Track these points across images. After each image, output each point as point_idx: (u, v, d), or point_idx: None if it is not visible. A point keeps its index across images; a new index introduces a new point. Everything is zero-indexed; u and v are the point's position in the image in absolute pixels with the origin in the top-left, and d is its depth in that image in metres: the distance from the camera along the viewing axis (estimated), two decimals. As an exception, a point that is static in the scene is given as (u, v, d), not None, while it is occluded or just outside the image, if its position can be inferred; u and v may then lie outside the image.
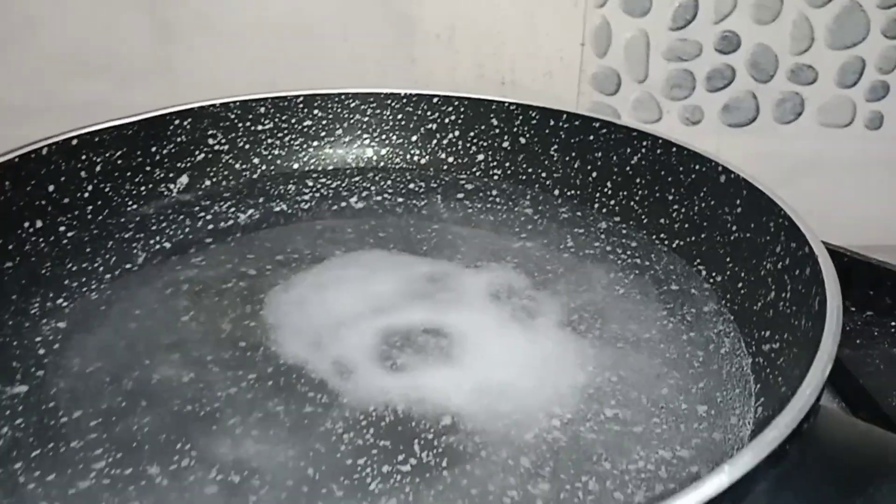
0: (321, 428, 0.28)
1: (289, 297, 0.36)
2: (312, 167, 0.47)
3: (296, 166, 0.47)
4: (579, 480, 0.26)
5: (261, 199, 0.44)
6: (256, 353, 0.32)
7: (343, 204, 0.44)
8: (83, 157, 0.40)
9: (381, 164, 0.48)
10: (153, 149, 0.43)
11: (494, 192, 0.45)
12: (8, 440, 0.28)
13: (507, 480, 0.26)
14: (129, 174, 0.42)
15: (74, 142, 0.40)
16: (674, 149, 0.40)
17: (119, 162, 0.42)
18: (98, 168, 0.41)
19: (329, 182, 0.46)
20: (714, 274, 0.36)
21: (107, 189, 0.41)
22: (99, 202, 0.41)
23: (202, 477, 0.26)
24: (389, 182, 0.46)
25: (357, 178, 0.47)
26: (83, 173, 0.40)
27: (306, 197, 0.45)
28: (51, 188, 0.39)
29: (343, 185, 0.46)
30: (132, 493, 0.25)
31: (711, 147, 0.55)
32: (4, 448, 0.27)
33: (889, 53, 0.52)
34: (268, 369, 0.31)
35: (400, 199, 0.45)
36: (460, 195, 0.45)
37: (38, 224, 0.38)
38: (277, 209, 0.44)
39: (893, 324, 0.42)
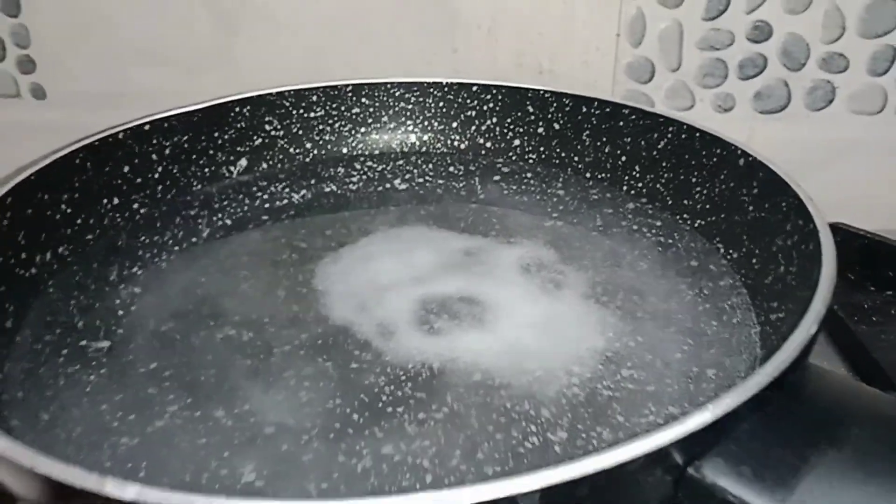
0: (365, 381, 0.32)
1: (337, 268, 0.39)
2: (360, 151, 0.51)
3: (345, 150, 0.51)
4: (594, 430, 0.29)
5: (312, 181, 0.48)
6: (308, 316, 0.36)
7: (388, 186, 0.48)
8: (154, 141, 0.44)
9: (424, 148, 0.51)
10: (216, 134, 0.47)
11: (529, 175, 0.48)
12: (94, 386, 0.32)
13: (528, 428, 0.29)
14: (194, 157, 0.46)
15: (147, 127, 0.44)
16: (697, 134, 0.42)
17: (186, 146, 0.46)
18: (167, 151, 0.45)
19: (375, 165, 0.50)
20: (731, 251, 0.39)
21: (175, 170, 0.46)
22: (168, 182, 0.45)
23: (261, 419, 0.30)
24: (431, 165, 0.50)
25: (401, 162, 0.50)
26: (154, 156, 0.45)
27: (354, 179, 0.48)
28: (126, 169, 0.43)
29: (388, 168, 0.50)
30: (201, 431, 0.29)
31: (744, 134, 0.57)
32: (92, 392, 0.31)
33: (921, 42, 0.53)
34: (318, 330, 0.35)
35: (441, 182, 0.48)
36: (497, 178, 0.48)
37: (115, 201, 0.43)
38: (328, 190, 0.47)
39: (912, 302, 0.44)
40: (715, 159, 0.41)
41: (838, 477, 0.21)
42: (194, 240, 0.42)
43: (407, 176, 0.49)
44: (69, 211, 0.40)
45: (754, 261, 0.37)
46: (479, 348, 0.34)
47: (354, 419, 0.30)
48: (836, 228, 0.45)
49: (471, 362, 0.33)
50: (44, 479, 0.21)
